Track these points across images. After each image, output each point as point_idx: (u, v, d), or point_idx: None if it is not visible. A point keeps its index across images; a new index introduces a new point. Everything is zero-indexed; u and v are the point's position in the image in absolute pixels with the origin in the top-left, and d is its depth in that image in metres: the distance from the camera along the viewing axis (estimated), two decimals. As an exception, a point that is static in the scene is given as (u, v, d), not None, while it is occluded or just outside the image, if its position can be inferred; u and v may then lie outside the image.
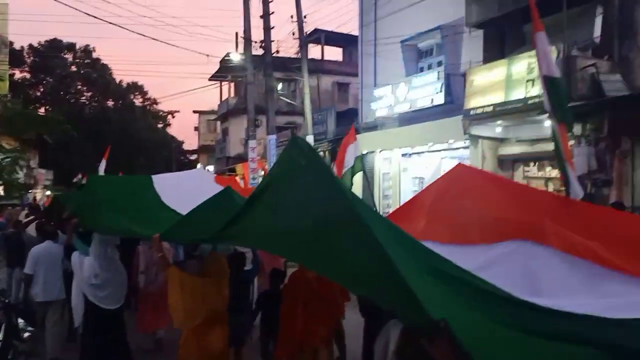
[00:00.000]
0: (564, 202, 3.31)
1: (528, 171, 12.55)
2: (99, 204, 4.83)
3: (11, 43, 30.51)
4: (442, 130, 13.25)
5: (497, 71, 11.14)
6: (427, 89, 13.89)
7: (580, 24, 10.44)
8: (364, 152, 17.45)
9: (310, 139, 17.21)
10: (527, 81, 10.42)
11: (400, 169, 15.88)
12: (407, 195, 15.76)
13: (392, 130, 15.47)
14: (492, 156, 12.21)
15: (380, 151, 16.73)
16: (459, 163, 4.07)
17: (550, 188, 12.79)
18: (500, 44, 12.44)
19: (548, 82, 3.82)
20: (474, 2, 12.18)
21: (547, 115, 10.24)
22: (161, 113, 53.25)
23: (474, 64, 12.19)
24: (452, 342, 2.00)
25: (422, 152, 15.22)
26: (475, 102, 11.53)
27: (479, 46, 12.61)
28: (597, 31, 10.18)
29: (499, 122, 11.65)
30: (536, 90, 10.23)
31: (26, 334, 4.90)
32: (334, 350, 5.23)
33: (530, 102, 10.34)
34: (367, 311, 4.50)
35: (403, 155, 15.76)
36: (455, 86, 13.14)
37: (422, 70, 15.60)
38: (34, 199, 29.08)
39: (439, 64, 14.89)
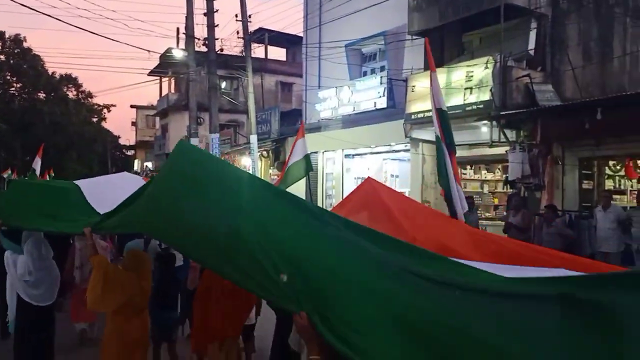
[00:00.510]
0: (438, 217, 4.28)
1: (465, 174, 13.10)
2: (25, 207, 4.95)
3: None
4: (384, 132, 13.60)
5: (437, 78, 11.54)
6: (370, 92, 14.21)
7: (516, 36, 11.03)
8: (308, 151, 17.63)
9: (254, 138, 17.16)
10: (465, 89, 10.89)
11: (344, 169, 16.15)
12: (349, 195, 16.07)
13: (335, 131, 15.71)
14: (432, 159, 12.64)
15: (324, 152, 16.95)
16: (368, 177, 4.78)
17: (486, 189, 13.45)
18: (440, 52, 12.89)
19: (440, 113, 4.91)
20: (416, 11, 12.58)
21: (483, 122, 10.77)
22: (96, 107, 51.30)
23: (415, 71, 12.58)
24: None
25: (365, 154, 15.54)
26: (416, 107, 11.92)
27: (420, 53, 13.00)
28: (532, 44, 10.78)
29: (438, 127, 12.07)
30: (474, 97, 10.73)
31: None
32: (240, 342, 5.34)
33: (467, 108, 10.82)
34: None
35: (346, 156, 16.04)
36: (397, 91, 13.51)
37: (365, 74, 15.92)
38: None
39: (382, 68, 15.26)
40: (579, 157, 10.31)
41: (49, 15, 27.94)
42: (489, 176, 13.44)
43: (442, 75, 11.44)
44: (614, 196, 9.96)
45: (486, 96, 10.46)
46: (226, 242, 2.64)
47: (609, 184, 10.59)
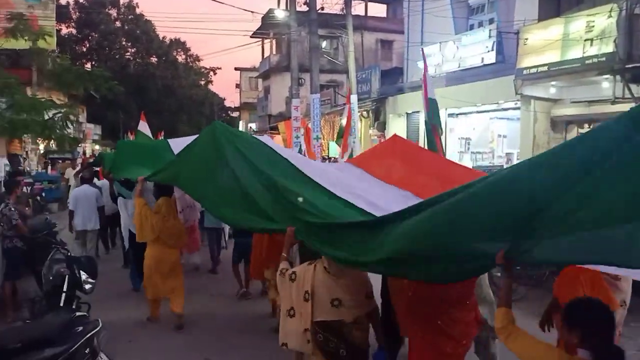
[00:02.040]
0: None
1: (582, 133, 12.17)
2: (130, 162, 6.75)
3: (58, -1, 30.95)
4: (491, 90, 12.93)
5: (553, 30, 10.70)
6: (478, 47, 13.49)
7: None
8: (410, 111, 17.27)
9: (354, 98, 17.06)
10: (585, 40, 10.00)
11: (447, 129, 15.62)
12: (452, 156, 15.58)
13: (438, 89, 15.13)
14: (545, 117, 11.89)
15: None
16: (394, 134, 5.89)
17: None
18: (556, 1, 11.90)
19: (429, 102, 7.46)
20: (531, -44, 11.62)
21: (605, 76, 9.87)
22: (203, 70, 53.54)
23: (528, 22, 11.72)
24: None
25: (470, 113, 14.92)
26: (528, 62, 11.16)
27: (533, 4, 12.09)
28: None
29: (553, 82, 11.28)
30: (594, 49, 9.83)
31: (88, 286, 5.15)
32: None
33: (587, 62, 9.95)
34: None
35: (449, 115, 15.49)
36: (507, 44, 12.72)
37: (472, 27, 15.11)
38: (84, 152, 30.12)
39: (491, 21, 14.37)
40: None
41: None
42: (610, 135, 12.39)
43: (558, 26, 10.60)
44: None
45: (609, 48, 9.53)
46: (244, 197, 3.98)
47: None
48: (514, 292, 3.20)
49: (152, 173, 5.70)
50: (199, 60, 52.05)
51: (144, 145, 8.27)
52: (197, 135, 5.24)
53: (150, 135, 12.27)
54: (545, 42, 10.69)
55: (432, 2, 15.28)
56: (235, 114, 56.52)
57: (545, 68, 10.74)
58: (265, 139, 5.27)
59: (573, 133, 11.99)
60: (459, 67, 14.20)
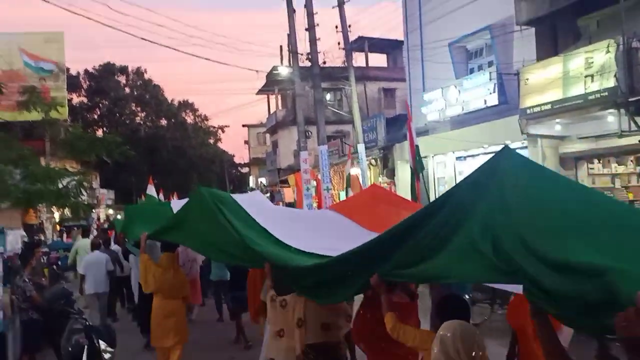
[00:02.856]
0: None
1: (592, 168, 12.14)
2: (139, 223, 7.41)
3: (68, 69, 32.01)
4: (497, 131, 13.01)
5: (553, 68, 10.86)
6: (479, 90, 13.68)
7: (639, 15, 10.05)
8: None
9: (361, 147, 17.23)
10: (586, 77, 10.10)
11: (456, 172, 15.66)
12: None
13: (444, 134, 15.30)
14: (553, 155, 11.89)
15: (434, 156, 16.56)
16: (373, 183, 7.31)
17: (617, 184, 12.37)
18: (554, 40, 12.16)
19: (416, 148, 9.20)
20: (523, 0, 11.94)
21: (609, 110, 9.93)
22: (212, 129, 54.54)
23: (527, 63, 11.92)
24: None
25: (477, 155, 14.96)
26: (531, 101, 11.27)
27: (531, 44, 12.34)
28: (659, 21, 9.77)
29: (558, 119, 11.34)
30: (596, 85, 9.93)
31: (107, 356, 5.11)
32: None
33: (590, 97, 10.03)
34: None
35: (458, 158, 15.55)
36: (508, 86, 12.90)
37: (472, 71, 15.38)
38: (98, 218, 30.37)
39: (490, 64, 14.64)
40: None
41: (166, 46, 30.40)
42: (620, 169, 12.32)
43: (557, 64, 10.76)
44: None
45: (610, 83, 9.63)
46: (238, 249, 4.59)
47: None
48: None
49: (153, 231, 6.27)
50: (207, 120, 53.21)
51: (150, 208, 9.30)
52: (188, 199, 6.09)
53: (157, 197, 12.77)
54: (546, 80, 10.84)
55: (431, 50, 15.63)
56: (245, 170, 57.08)
57: (549, 106, 10.84)
58: (254, 194, 6.55)
59: (584, 169, 11.97)
60: (462, 110, 14.36)
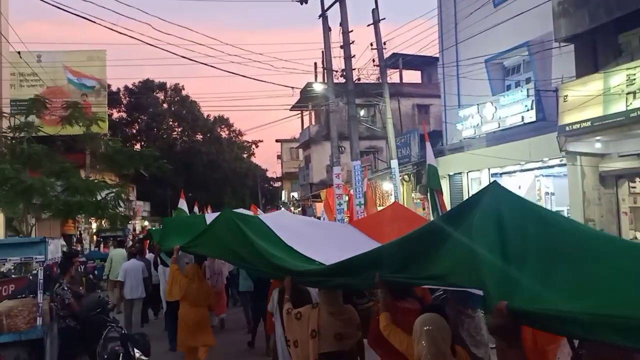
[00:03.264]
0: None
1: (634, 187, 11.78)
2: (172, 235, 7.89)
3: (109, 86, 33.01)
4: (535, 147, 12.80)
5: (592, 85, 10.63)
6: (516, 106, 13.49)
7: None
8: (452, 173, 17.20)
9: (394, 162, 17.14)
10: (628, 94, 9.86)
11: (491, 190, 15.40)
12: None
13: (479, 150, 15.11)
14: (593, 172, 11.59)
15: (468, 172, 16.36)
16: (395, 202, 7.32)
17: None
18: (593, 57, 11.91)
19: (429, 167, 8.84)
20: (562, 16, 11.77)
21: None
22: (246, 143, 55.20)
23: (566, 79, 11.72)
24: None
25: (514, 172, 14.71)
26: (570, 118, 11.04)
27: (570, 61, 12.12)
28: None
29: (598, 137, 11.08)
30: (638, 102, 9.69)
31: (142, 364, 5.16)
32: None
33: (632, 115, 9.77)
34: None
35: (493, 175, 15.30)
36: (546, 102, 12.69)
37: (509, 88, 15.19)
38: (134, 229, 30.95)
39: (527, 80, 14.44)
40: None
41: (205, 64, 30.96)
42: (662, 188, 11.94)
43: (598, 81, 10.54)
44: None
45: (653, 99, 9.38)
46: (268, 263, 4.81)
47: None
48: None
49: (185, 243, 6.72)
50: (241, 135, 53.88)
51: (185, 220, 10.08)
52: (215, 217, 6.49)
53: (187, 211, 13.21)
54: (586, 97, 10.61)
55: (467, 66, 15.51)
56: (277, 184, 57.46)
57: (589, 123, 10.59)
58: (281, 212, 7.06)
59: (625, 187, 11.62)
60: (498, 127, 14.16)
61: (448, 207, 17.34)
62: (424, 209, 19.02)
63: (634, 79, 9.73)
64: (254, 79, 43.87)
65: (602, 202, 11.58)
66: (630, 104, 9.78)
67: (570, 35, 11.77)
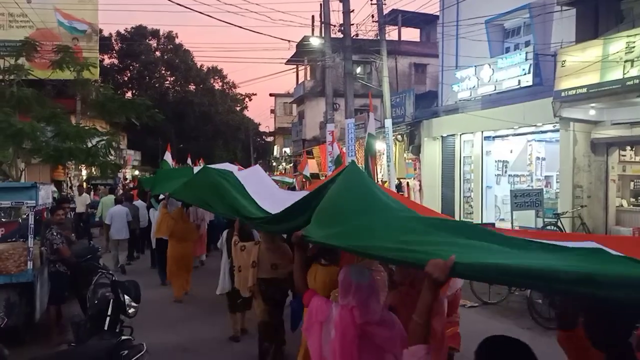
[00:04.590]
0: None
1: (624, 155, 11.89)
2: (162, 182, 9.64)
3: (100, 31, 32.19)
4: (529, 112, 12.78)
5: (591, 51, 10.55)
6: (514, 69, 13.37)
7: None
8: (444, 135, 17.19)
9: (388, 122, 17.07)
10: (625, 62, 9.80)
11: (483, 152, 15.47)
12: (489, 178, 15.38)
13: (474, 112, 15.06)
14: (585, 139, 11.64)
15: (462, 134, 16.37)
16: (352, 161, 6.01)
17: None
18: (594, 22, 11.77)
19: (368, 136, 8.90)
20: (567, -22, 11.54)
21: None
22: (239, 96, 54.57)
23: (565, 44, 11.60)
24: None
25: (507, 136, 14.74)
26: (567, 84, 11.00)
27: (571, 25, 11.97)
28: None
29: (592, 104, 11.08)
30: (635, 71, 9.65)
31: (132, 310, 5.24)
32: None
33: (628, 83, 9.75)
34: None
35: (486, 138, 15.33)
36: (544, 67, 12.59)
37: (508, 50, 15.00)
38: (124, 177, 30.87)
39: (527, 44, 14.26)
40: None
41: (200, 12, 30.25)
42: (654, 158, 12.07)
43: (597, 47, 10.45)
44: None
45: (651, 68, 9.33)
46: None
47: None
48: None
49: (172, 190, 8.13)
50: (235, 87, 53.16)
51: (175, 171, 11.67)
52: (197, 171, 7.53)
53: (171, 163, 13.88)
54: (584, 63, 10.54)
55: (467, 27, 15.27)
56: (269, 139, 57.15)
57: (585, 90, 10.56)
58: (255, 169, 7.49)
59: (615, 155, 11.71)
60: (494, 90, 14.08)
61: (439, 170, 17.50)
62: (415, 169, 19.12)
63: (634, 47, 9.65)
64: (250, 30, 43.13)
65: (591, 169, 11.68)
66: (627, 72, 9.74)
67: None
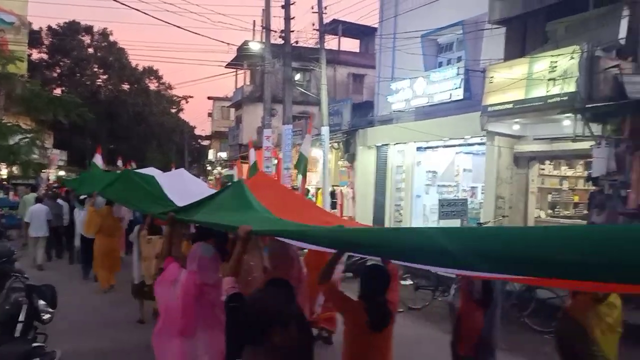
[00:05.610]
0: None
1: (543, 169, 12.54)
2: (87, 183, 10.38)
3: (30, 24, 30.64)
4: (458, 125, 13.25)
5: (518, 69, 11.09)
6: (446, 83, 13.85)
7: (605, 24, 10.35)
8: (379, 144, 17.52)
9: (325, 129, 17.22)
10: (549, 80, 10.36)
11: (414, 162, 15.89)
12: (419, 188, 15.81)
13: (407, 124, 15.47)
14: (508, 153, 12.20)
15: (395, 144, 16.74)
16: (260, 171, 7.70)
17: (565, 186, 12.84)
18: (522, 41, 12.37)
19: (300, 155, 11.25)
20: (497, -1, 12.09)
21: (567, 115, 10.21)
22: (175, 98, 53.39)
23: (494, 61, 12.13)
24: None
25: (437, 147, 15.21)
26: (494, 99, 11.50)
27: (500, 43, 12.53)
28: (623, 32, 10.07)
29: (517, 119, 11.63)
30: (557, 89, 10.20)
31: (47, 316, 4.97)
32: None
33: (550, 100, 10.31)
34: None
35: (418, 149, 15.76)
36: (474, 82, 13.10)
37: (441, 65, 15.53)
38: (47, 178, 29.37)
39: (459, 59, 14.82)
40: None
41: (137, 10, 29.32)
42: (570, 172, 12.80)
43: (523, 65, 10.99)
44: None
45: (571, 88, 9.91)
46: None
47: None
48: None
49: (100, 189, 8.56)
50: (171, 89, 51.97)
51: (99, 175, 11.59)
52: (119, 173, 8.33)
53: (100, 166, 13.42)
54: (510, 80, 11.07)
55: (404, 40, 15.68)
56: (206, 142, 56.22)
57: (510, 105, 11.08)
58: (180, 171, 7.72)
59: (535, 169, 12.33)
60: (427, 102, 14.53)
61: (372, 178, 17.74)
62: (348, 177, 19.37)
63: (556, 67, 10.22)
64: (189, 30, 42.03)
65: (513, 181, 12.24)
66: (550, 90, 10.30)
67: (502, 18, 12.17)
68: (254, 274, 5.16)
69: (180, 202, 5.37)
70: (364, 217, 17.12)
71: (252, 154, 14.90)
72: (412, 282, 10.16)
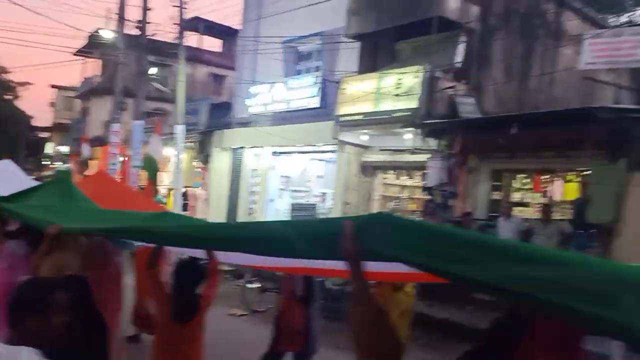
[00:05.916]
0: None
1: (386, 178, 13.45)
2: None
3: None
4: (313, 132, 13.70)
5: (369, 83, 11.82)
6: (304, 91, 14.27)
7: (445, 48, 11.46)
8: (235, 146, 17.45)
9: (179, 128, 16.69)
10: (395, 95, 11.18)
11: (269, 166, 16.09)
12: (273, 192, 16.03)
13: (264, 128, 15.62)
14: (357, 162, 12.90)
15: (251, 147, 16.80)
16: (101, 169, 7.57)
17: (405, 194, 13.90)
18: (374, 57, 13.20)
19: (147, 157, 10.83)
20: (354, 14, 12.79)
21: (408, 129, 11.10)
22: (10, 83, 48.07)
23: (349, 73, 12.78)
24: None
25: (292, 152, 15.57)
26: (346, 110, 12.11)
27: (355, 57, 13.23)
28: (459, 57, 11.25)
29: (365, 130, 12.35)
30: (401, 104, 11.05)
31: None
32: None
33: (395, 114, 11.12)
34: None
35: (273, 153, 15.99)
36: (330, 92, 13.65)
37: (300, 72, 15.95)
38: None
39: (317, 69, 15.34)
40: (492, 169, 10.86)
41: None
42: (409, 182, 13.87)
43: (373, 80, 11.74)
44: (520, 208, 10.57)
45: (413, 104, 10.81)
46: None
47: (516, 196, 11.09)
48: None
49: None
50: (6, 72, 46.66)
51: None
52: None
53: None
54: (362, 93, 11.76)
55: (265, 44, 15.85)
56: (45, 134, 51.47)
57: (360, 117, 11.77)
58: (5, 162, 6.39)
59: (379, 177, 13.21)
60: (285, 108, 14.83)
61: (226, 181, 17.60)
62: (202, 178, 18.99)
63: (401, 84, 11.09)
64: (31, 10, 38.15)
65: (359, 189, 12.99)
66: (395, 105, 11.14)
67: (358, 34, 12.88)
68: (70, 271, 4.95)
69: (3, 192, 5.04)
70: (217, 219, 16.89)
71: (86, 149, 13.94)
72: (259, 285, 10.18)
